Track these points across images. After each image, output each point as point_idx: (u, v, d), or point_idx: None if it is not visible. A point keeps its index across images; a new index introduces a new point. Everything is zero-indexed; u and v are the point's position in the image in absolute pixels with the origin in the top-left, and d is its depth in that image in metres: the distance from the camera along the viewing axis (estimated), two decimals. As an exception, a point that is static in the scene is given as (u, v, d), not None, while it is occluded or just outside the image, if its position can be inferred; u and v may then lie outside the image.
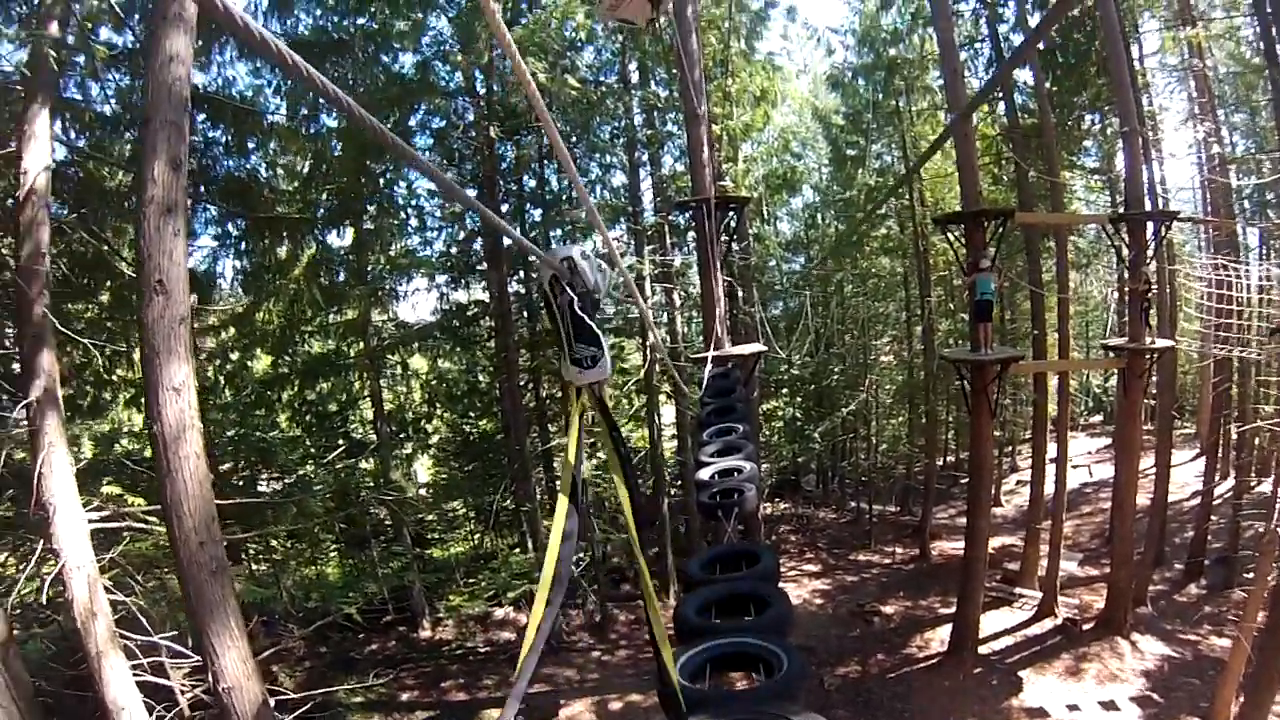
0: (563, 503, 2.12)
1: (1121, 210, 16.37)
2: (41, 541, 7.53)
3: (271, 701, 6.89)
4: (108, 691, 7.69)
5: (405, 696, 16.76)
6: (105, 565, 8.27)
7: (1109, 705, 14.24)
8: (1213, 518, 19.72)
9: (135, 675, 7.83)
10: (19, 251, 7.44)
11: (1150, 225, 14.94)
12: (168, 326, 5.72)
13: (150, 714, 8.02)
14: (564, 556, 2.06)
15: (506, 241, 20.34)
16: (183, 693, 8.65)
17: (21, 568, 8.69)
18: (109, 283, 12.84)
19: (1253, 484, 21.57)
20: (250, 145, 14.71)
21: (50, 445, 7.22)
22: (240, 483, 16.46)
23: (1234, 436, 21.32)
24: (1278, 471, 12.63)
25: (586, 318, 2.11)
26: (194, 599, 6.16)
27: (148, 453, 12.12)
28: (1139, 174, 15.50)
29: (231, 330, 17.17)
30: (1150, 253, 14.94)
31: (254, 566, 18.34)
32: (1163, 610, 17.79)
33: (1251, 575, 14.18)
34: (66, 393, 11.92)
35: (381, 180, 18.38)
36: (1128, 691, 14.65)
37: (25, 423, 7.61)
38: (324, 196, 17.28)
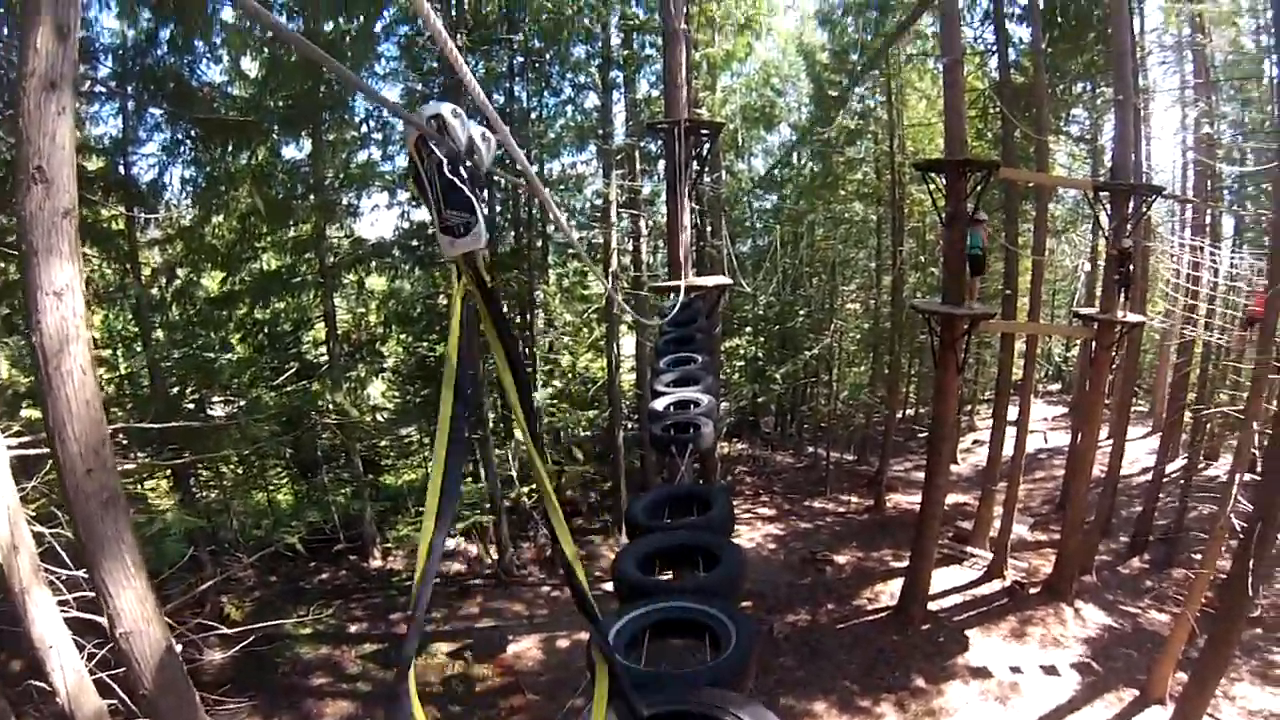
0: (447, 401, 1.89)
1: (1105, 179, 16.11)
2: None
3: (178, 646, 6.37)
4: (33, 629, 7.24)
5: (353, 628, 16.54)
6: (28, 494, 7.71)
7: (1050, 670, 14.52)
8: (1160, 495, 19.99)
9: (63, 611, 7.39)
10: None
11: (1134, 198, 14.67)
12: (48, 220, 4.84)
13: (81, 651, 7.61)
14: (452, 467, 1.81)
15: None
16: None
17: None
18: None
19: (1201, 466, 21.94)
20: (197, 45, 13.67)
21: (-40, 370, 6.56)
22: (191, 405, 15.79)
23: (1188, 418, 21.58)
24: (1235, 459, 12.63)
25: (458, 180, 1.85)
26: (84, 534, 5.43)
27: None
28: (1128, 144, 15.24)
29: (179, 244, 16.18)
30: (1130, 226, 14.69)
31: (204, 493, 17.83)
32: (1106, 581, 18.15)
33: (1198, 556, 14.42)
34: (3, 311, 11.18)
35: (339, 88, 17.31)
36: (1068, 657, 14.95)
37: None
38: (277, 104, 16.20)
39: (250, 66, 16.39)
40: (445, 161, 1.84)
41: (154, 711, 5.88)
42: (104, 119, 15.18)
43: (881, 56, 23.63)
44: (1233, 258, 17.89)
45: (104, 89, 13.91)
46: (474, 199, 1.88)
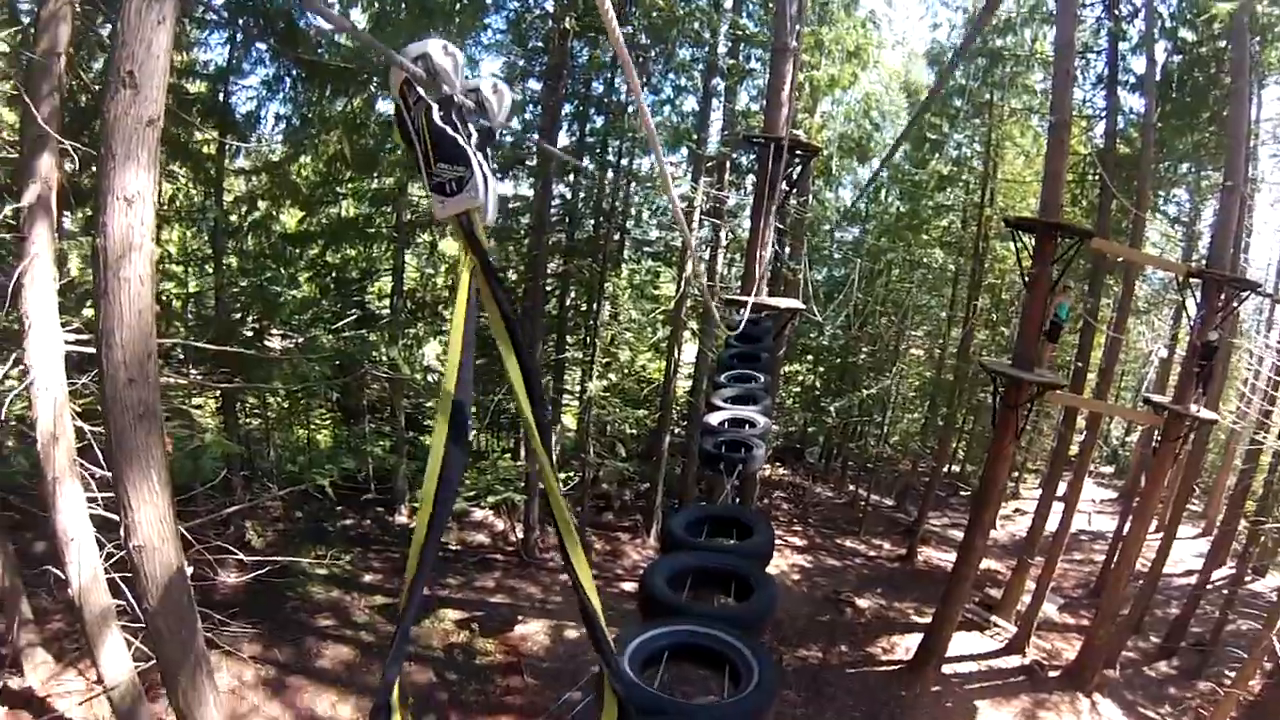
0: (450, 383, 1.70)
1: (1199, 265, 15.55)
2: (13, 356, 7.16)
3: (189, 569, 6.35)
4: (59, 520, 7.49)
5: (368, 578, 16.70)
6: (78, 390, 7.89)
7: (1057, 760, 14.00)
8: (1201, 602, 19.19)
9: (90, 508, 7.56)
10: (35, 47, 6.79)
11: (1226, 290, 14.11)
12: (131, 126, 4.79)
13: (101, 550, 7.77)
14: (453, 462, 1.66)
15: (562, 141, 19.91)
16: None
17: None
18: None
19: (1248, 580, 21.03)
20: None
21: (35, 255, 6.76)
22: (250, 334, 16.12)
23: (1243, 527, 20.67)
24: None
25: (450, 129, 1.63)
26: (114, 442, 5.39)
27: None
28: (1228, 233, 14.72)
29: (264, 177, 16.50)
30: (1219, 319, 14.10)
31: (248, 420, 18.17)
32: (1130, 679, 17.38)
33: (1230, 672, 13.81)
34: (85, 214, 11.51)
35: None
36: (1078, 751, 14.40)
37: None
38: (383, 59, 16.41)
39: (359, 18, 16.66)
40: (435, 107, 1.66)
41: (154, 627, 5.93)
42: (211, 46, 15.59)
43: (984, 106, 23.13)
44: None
45: (215, 17, 14.28)
46: (469, 150, 1.69)
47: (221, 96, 14.99)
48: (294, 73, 14.95)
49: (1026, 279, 14.14)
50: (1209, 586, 19.43)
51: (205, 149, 15.09)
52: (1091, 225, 18.27)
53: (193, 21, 14.10)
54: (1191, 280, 14.41)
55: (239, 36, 14.55)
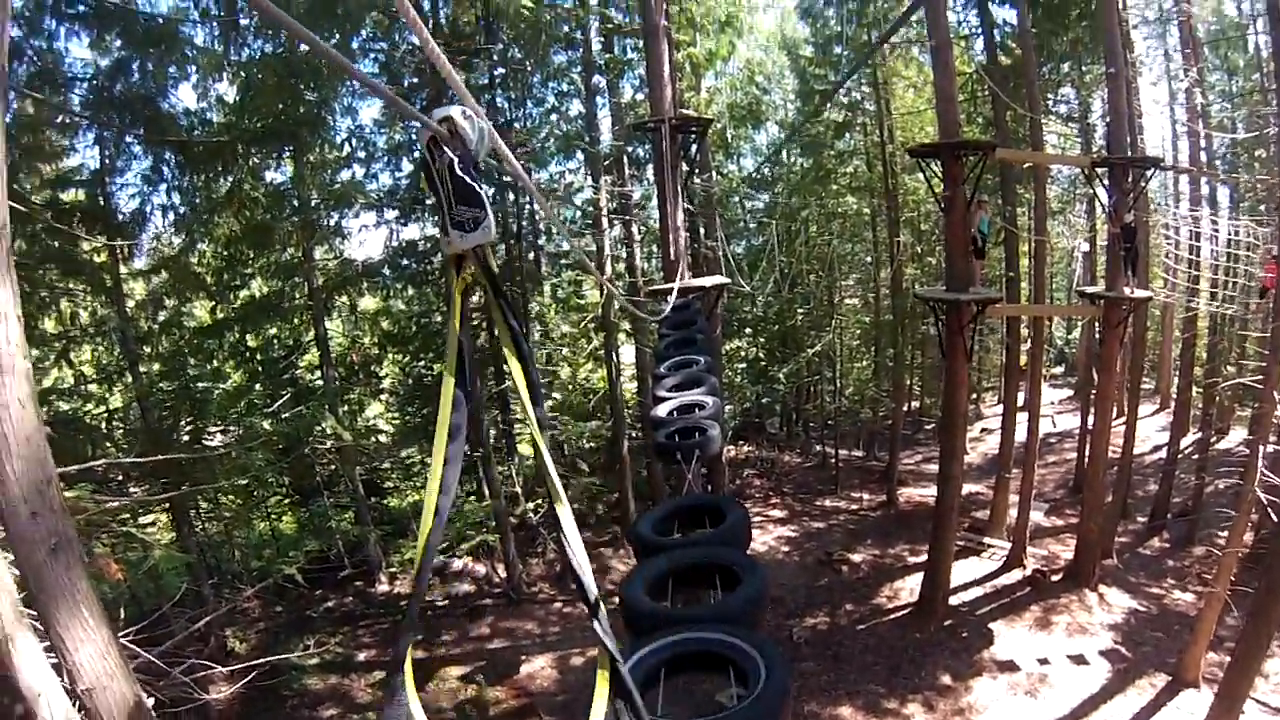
0: (448, 389, 1.97)
1: (1101, 154, 15.94)
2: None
3: (149, 701, 5.92)
4: (20, 679, 6.86)
5: (362, 656, 16.17)
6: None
7: (1078, 659, 14.17)
8: (1175, 472, 19.69)
9: (50, 656, 7.03)
10: None
11: (1132, 171, 14.50)
12: None
13: (72, 697, 7.25)
14: (452, 456, 1.93)
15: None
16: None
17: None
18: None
19: (1213, 440, 21.63)
20: (170, 71, 13.38)
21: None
22: (187, 437, 15.44)
23: (1195, 392, 21.30)
24: (1256, 431, 12.24)
25: (468, 178, 1.95)
26: (33, 584, 4.93)
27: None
28: (1121, 118, 15.05)
29: (165, 274, 15.86)
30: (1131, 200, 14.45)
31: (204, 526, 17.44)
32: (1128, 563, 17.80)
33: (1220, 533, 14.10)
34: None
35: (318, 108, 16.98)
36: (1097, 645, 14.60)
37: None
38: (258, 125, 15.88)
39: (227, 91, 16.14)
40: (457, 161, 1.91)
41: (128, 771, 5.44)
42: (80, 151, 14.93)
43: (875, 52, 23.39)
44: (1232, 227, 17.68)
45: (78, 118, 13.64)
46: (484, 195, 1.96)
47: (102, 200, 14.34)
48: (171, 159, 14.38)
49: (942, 204, 14.30)
50: (1179, 457, 19.92)
51: (96, 257, 14.44)
52: (991, 138, 18.58)
53: (55, 129, 13.49)
54: (1098, 169, 14.82)
55: (107, 134, 13.93)
